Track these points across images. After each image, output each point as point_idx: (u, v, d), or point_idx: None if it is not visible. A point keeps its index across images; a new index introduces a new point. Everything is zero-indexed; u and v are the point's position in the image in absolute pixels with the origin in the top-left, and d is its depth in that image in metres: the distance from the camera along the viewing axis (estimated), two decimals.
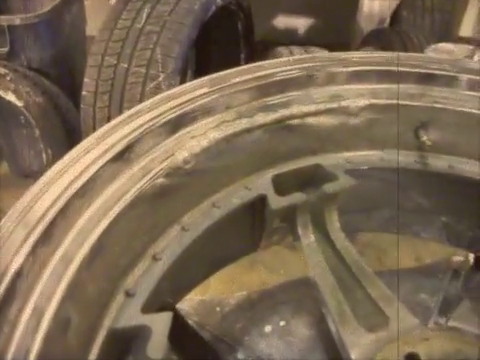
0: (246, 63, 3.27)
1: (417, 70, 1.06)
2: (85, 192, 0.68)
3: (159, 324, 0.73)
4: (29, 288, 0.58)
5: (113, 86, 2.32)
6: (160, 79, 2.26)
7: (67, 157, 0.71)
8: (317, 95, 1.02)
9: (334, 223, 1.02)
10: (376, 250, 1.88)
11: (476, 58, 1.74)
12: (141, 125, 0.80)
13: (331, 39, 3.64)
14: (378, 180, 1.13)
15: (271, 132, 0.99)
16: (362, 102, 1.05)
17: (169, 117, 0.83)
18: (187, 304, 1.24)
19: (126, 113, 0.81)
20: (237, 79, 0.94)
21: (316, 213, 1.02)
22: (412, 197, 1.23)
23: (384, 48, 2.98)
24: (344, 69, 1.03)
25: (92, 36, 2.86)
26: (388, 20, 3.67)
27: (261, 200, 0.99)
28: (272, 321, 1.22)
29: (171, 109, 0.84)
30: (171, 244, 0.87)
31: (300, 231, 1.00)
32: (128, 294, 0.77)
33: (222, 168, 0.94)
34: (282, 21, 4.40)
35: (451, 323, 0.90)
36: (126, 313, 0.75)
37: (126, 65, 2.30)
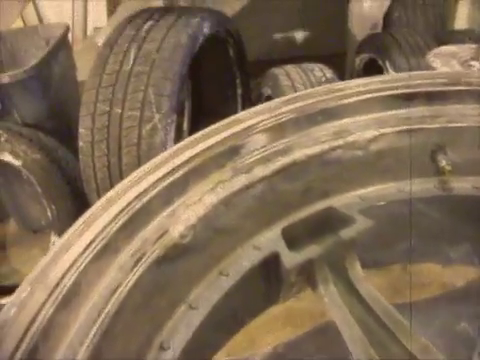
0: (242, 88, 3.20)
1: (423, 89, 0.97)
2: (68, 301, 0.59)
3: None
4: None
5: (109, 133, 2.25)
6: (155, 120, 2.20)
7: (45, 259, 0.62)
8: (319, 134, 0.93)
9: (357, 271, 0.92)
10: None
11: None
12: (125, 206, 0.71)
13: (326, 51, 3.56)
14: (397, 213, 1.03)
15: (274, 183, 0.90)
16: (370, 133, 0.95)
17: (157, 190, 0.74)
18: None
19: (105, 196, 0.72)
20: (225, 133, 0.86)
21: (335, 263, 0.92)
22: (436, 221, 1.13)
23: (380, 54, 2.89)
24: (344, 101, 0.94)
25: (84, 81, 2.81)
26: (381, 23, 3.58)
27: (274, 258, 0.89)
28: None
29: (156, 182, 0.75)
30: (179, 327, 0.77)
31: (321, 286, 0.90)
32: None
33: (225, 232, 0.85)
34: (274, 38, 4.34)
35: None
36: None
37: (119, 110, 2.23)
